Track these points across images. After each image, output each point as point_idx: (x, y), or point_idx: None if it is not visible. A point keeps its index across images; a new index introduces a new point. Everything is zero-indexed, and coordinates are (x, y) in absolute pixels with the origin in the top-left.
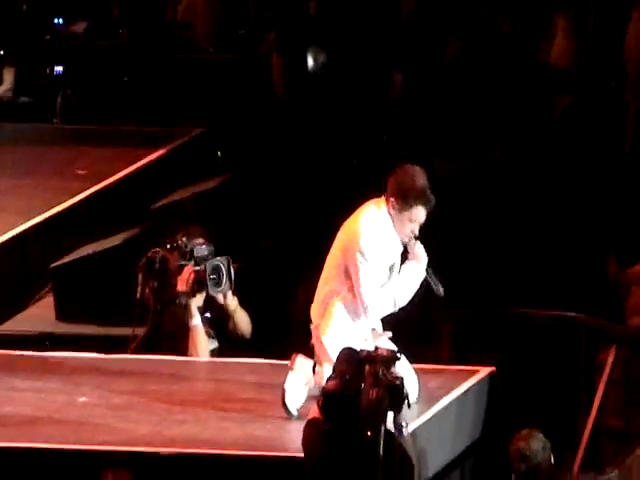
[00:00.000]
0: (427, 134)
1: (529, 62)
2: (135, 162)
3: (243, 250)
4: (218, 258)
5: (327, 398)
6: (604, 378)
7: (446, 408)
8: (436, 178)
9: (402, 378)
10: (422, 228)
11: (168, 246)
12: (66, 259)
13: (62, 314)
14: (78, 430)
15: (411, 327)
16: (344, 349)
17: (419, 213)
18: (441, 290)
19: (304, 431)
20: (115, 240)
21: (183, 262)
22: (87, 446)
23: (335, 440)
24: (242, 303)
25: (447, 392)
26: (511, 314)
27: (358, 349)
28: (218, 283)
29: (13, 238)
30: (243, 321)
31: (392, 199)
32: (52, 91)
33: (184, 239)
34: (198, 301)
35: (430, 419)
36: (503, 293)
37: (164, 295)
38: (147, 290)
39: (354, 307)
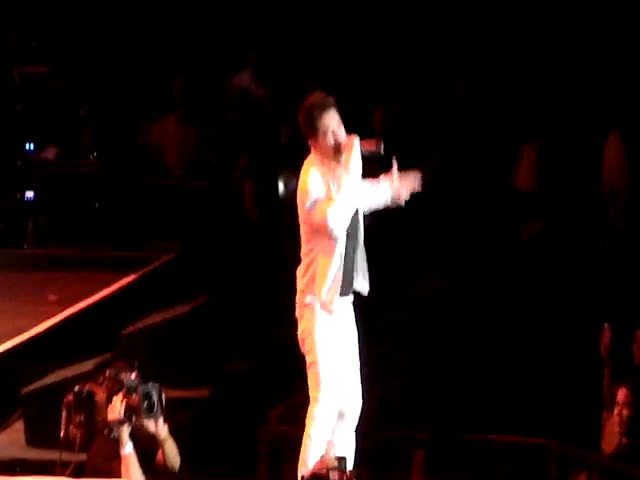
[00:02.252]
0: (408, 256)
1: (499, 189)
2: (106, 287)
3: (214, 374)
4: (149, 385)
5: None
6: None
7: None
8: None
9: None
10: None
11: (95, 380)
12: (37, 385)
13: (32, 440)
14: None
15: (383, 454)
16: None
17: (326, 121)
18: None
19: None
20: (86, 366)
21: (113, 392)
22: None
23: None
24: (214, 427)
25: None
26: (483, 440)
27: None
28: (150, 409)
29: None
30: (172, 451)
31: (305, 133)
32: (23, 216)
33: (112, 370)
34: (127, 431)
35: None
36: (474, 418)
37: (91, 429)
38: (72, 426)
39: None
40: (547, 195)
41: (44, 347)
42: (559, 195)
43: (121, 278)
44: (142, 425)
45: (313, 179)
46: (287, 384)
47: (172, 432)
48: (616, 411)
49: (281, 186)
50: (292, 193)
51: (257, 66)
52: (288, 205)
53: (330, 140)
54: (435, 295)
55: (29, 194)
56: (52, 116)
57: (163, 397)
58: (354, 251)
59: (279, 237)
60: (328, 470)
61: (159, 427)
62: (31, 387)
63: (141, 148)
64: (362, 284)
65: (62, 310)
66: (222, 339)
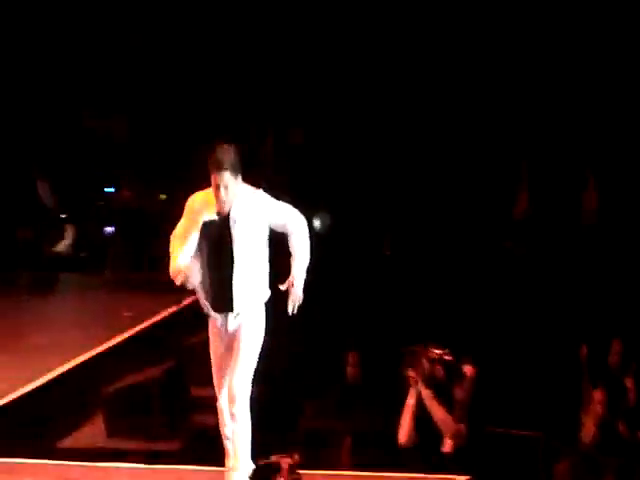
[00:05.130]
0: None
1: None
2: (172, 306)
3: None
4: None
5: None
6: None
7: None
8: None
9: None
10: None
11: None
12: (115, 386)
13: (111, 431)
14: None
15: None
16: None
17: (217, 178)
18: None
19: None
20: (156, 371)
21: None
22: None
23: None
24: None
25: None
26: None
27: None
28: None
29: (74, 367)
30: None
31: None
32: (104, 247)
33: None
34: None
35: None
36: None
37: None
38: None
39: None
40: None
41: (121, 355)
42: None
43: (185, 299)
44: None
45: (195, 199)
46: (319, 386)
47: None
48: (592, 409)
49: (317, 223)
50: (327, 229)
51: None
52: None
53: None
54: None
55: (109, 229)
56: (127, 162)
57: None
58: (225, 277)
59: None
60: (279, 458)
61: None
62: (110, 388)
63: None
64: (240, 303)
65: (135, 324)
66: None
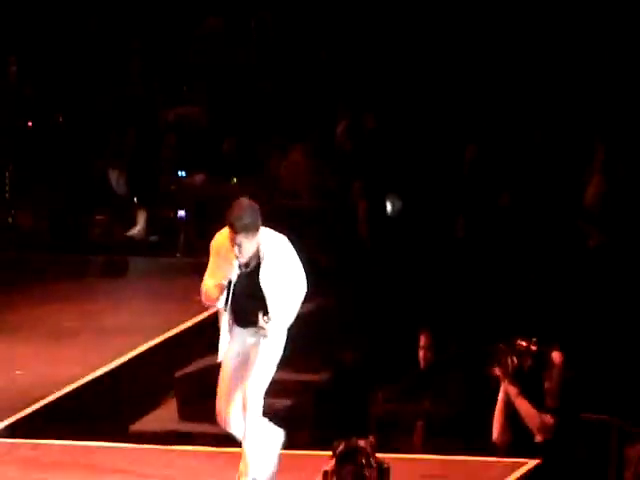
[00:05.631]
0: (486, 271)
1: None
2: None
3: (330, 362)
4: None
5: None
6: (631, 470)
7: None
8: None
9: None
10: None
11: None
12: (187, 369)
13: (184, 415)
14: None
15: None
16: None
17: (232, 236)
18: None
19: None
20: None
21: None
22: None
23: None
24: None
25: None
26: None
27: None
28: None
29: (146, 351)
30: None
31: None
32: (176, 231)
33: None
34: None
35: None
36: None
37: None
38: None
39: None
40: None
41: (192, 339)
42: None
43: None
44: None
45: (217, 242)
46: (392, 371)
47: (295, 409)
48: None
49: (389, 206)
50: (398, 212)
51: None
52: (394, 223)
53: (235, 249)
54: None
55: (181, 213)
56: (200, 148)
57: None
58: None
59: (385, 249)
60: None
61: None
62: (182, 371)
63: (273, 175)
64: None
65: (206, 309)
66: (338, 334)
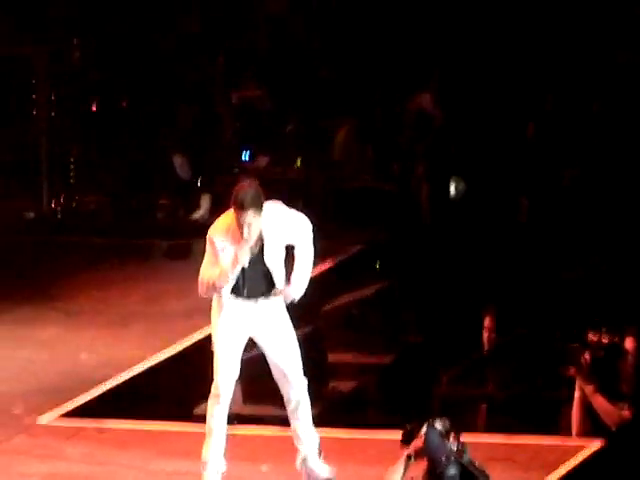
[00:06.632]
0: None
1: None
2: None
3: (393, 344)
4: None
5: None
6: None
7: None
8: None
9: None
10: None
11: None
12: (247, 354)
13: (247, 397)
14: None
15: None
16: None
17: (241, 217)
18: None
19: None
20: None
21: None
22: None
23: None
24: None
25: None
26: None
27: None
28: None
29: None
30: None
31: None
32: None
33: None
34: None
35: None
36: None
37: None
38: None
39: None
40: None
41: None
42: None
43: (320, 264)
44: None
45: (219, 228)
46: (454, 353)
47: (360, 391)
48: None
49: (452, 189)
50: (460, 195)
51: (440, 90)
52: (456, 205)
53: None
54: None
55: None
56: (264, 131)
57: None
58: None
59: (448, 232)
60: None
61: None
62: (246, 354)
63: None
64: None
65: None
66: (399, 316)
